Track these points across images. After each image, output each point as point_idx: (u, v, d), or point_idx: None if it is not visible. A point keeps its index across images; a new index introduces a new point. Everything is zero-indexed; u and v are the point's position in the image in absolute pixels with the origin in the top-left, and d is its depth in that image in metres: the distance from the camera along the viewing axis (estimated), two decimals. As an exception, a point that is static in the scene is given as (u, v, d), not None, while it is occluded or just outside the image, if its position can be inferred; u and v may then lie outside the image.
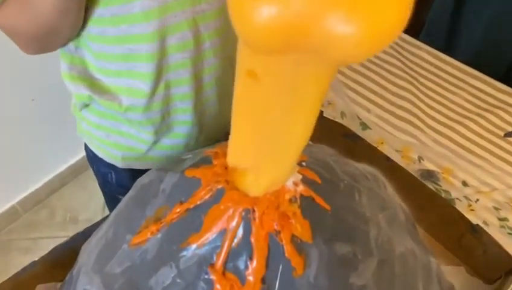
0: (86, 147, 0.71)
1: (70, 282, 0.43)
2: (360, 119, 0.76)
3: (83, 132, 0.67)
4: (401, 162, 0.70)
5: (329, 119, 0.72)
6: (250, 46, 0.22)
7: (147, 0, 0.46)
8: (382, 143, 0.73)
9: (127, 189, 0.72)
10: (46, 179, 1.56)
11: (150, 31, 0.47)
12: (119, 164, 0.65)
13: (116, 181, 0.71)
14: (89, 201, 1.60)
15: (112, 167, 0.68)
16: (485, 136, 0.78)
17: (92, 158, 0.71)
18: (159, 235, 0.32)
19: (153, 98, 0.54)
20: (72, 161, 1.60)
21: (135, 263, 0.33)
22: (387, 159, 0.67)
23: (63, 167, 1.58)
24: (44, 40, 0.48)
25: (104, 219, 0.50)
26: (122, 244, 0.35)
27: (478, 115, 0.81)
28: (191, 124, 0.59)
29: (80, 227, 0.56)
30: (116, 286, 0.33)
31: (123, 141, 0.61)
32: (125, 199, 0.39)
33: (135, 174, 0.68)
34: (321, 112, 0.72)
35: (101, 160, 0.68)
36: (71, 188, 1.63)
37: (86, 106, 0.60)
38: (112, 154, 0.65)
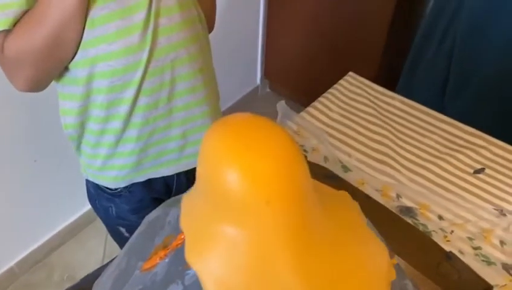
0: (88, 187, 0.80)
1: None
2: (342, 163, 0.84)
3: (84, 167, 0.76)
4: (381, 200, 0.77)
5: (312, 162, 0.79)
6: None
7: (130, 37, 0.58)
8: (363, 184, 0.80)
9: (126, 220, 0.79)
10: (44, 238, 1.58)
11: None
12: (122, 183, 0.73)
13: (116, 213, 0.79)
14: (87, 259, 1.62)
15: (111, 200, 0.77)
16: (456, 173, 0.85)
17: (93, 195, 0.79)
18: (166, 260, 0.38)
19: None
20: (71, 220, 1.63)
21: (146, 285, 0.39)
22: (368, 197, 0.73)
23: (61, 226, 1.61)
24: (51, 54, 0.57)
25: (112, 260, 0.55)
26: (134, 270, 0.41)
27: (449, 155, 0.89)
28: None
29: (78, 285, 0.60)
30: (130, 306, 0.39)
31: (118, 161, 0.71)
32: (135, 235, 0.45)
33: (133, 205, 0.76)
34: (305, 157, 0.79)
35: (102, 195, 0.77)
36: (69, 246, 1.65)
37: (80, 141, 0.71)
38: (112, 177, 0.73)
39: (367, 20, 1.61)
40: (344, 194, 0.47)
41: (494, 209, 0.78)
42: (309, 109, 0.99)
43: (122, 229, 0.81)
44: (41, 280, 1.57)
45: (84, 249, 1.65)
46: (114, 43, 0.58)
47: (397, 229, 0.67)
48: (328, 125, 0.95)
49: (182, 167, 0.75)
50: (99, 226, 1.67)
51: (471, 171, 0.86)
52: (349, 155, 0.88)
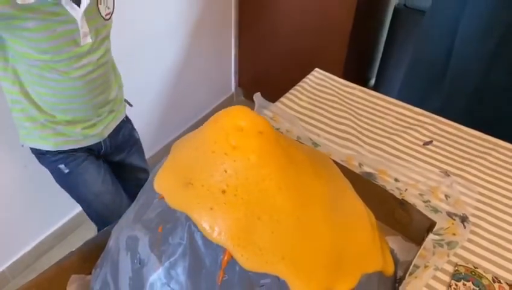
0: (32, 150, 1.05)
1: (108, 252, 0.59)
2: (312, 140, 0.98)
3: (23, 138, 1.02)
4: (346, 168, 0.91)
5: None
6: None
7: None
8: (330, 155, 0.93)
9: (64, 153, 1.05)
10: (34, 242, 1.63)
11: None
12: (53, 148, 1.00)
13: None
14: (76, 261, 1.67)
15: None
16: (409, 146, 1.00)
17: (38, 157, 1.06)
18: (180, 186, 0.50)
19: None
20: (59, 224, 1.69)
21: (165, 208, 0.51)
22: (335, 162, 0.87)
23: (50, 230, 1.67)
24: None
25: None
26: (153, 200, 0.52)
27: (402, 131, 1.04)
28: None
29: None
30: (153, 224, 0.50)
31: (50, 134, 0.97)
32: (150, 177, 0.57)
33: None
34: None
35: (47, 156, 1.03)
36: (58, 250, 1.71)
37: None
38: (46, 142, 0.99)
39: (330, 31, 1.79)
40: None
41: (440, 171, 0.93)
42: (282, 99, 1.12)
43: (61, 166, 1.03)
44: (32, 283, 1.61)
45: (73, 253, 1.70)
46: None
47: (359, 186, 0.78)
48: (298, 112, 1.08)
49: (94, 140, 1.02)
50: (88, 229, 1.74)
51: (421, 143, 1.01)
52: (318, 135, 1.02)
